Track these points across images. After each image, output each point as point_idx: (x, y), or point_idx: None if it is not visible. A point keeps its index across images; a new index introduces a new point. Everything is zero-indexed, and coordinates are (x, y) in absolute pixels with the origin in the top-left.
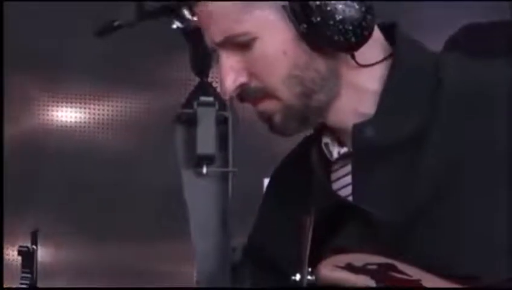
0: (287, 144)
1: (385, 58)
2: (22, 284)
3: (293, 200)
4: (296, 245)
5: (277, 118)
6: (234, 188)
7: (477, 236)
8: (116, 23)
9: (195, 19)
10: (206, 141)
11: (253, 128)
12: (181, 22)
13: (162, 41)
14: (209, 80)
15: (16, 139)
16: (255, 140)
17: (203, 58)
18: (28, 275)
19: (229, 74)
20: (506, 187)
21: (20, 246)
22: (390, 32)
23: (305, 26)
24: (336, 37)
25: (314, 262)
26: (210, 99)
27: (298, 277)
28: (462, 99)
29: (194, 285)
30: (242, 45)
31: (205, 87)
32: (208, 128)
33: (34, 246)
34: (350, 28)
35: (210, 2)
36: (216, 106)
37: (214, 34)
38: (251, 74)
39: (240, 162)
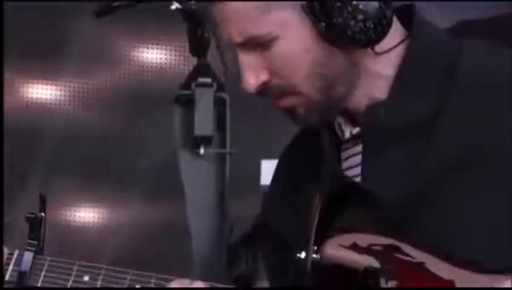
0: (285, 126)
1: (400, 43)
2: (28, 250)
3: (302, 179)
4: (303, 224)
5: (300, 112)
6: (231, 169)
7: (480, 223)
8: (115, 4)
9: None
10: (204, 122)
11: (251, 110)
12: (180, 3)
13: (144, 21)
14: (207, 61)
15: None
16: (252, 121)
17: (201, 39)
18: (35, 242)
19: (251, 72)
20: (509, 178)
21: (28, 213)
22: (405, 14)
23: (324, 25)
24: (357, 36)
25: (320, 241)
26: (208, 80)
27: (303, 255)
28: (475, 88)
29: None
30: (261, 44)
31: (203, 69)
32: (206, 110)
33: (43, 213)
34: (372, 26)
35: (229, 3)
36: (215, 87)
37: (233, 35)
38: (271, 72)
39: (238, 144)
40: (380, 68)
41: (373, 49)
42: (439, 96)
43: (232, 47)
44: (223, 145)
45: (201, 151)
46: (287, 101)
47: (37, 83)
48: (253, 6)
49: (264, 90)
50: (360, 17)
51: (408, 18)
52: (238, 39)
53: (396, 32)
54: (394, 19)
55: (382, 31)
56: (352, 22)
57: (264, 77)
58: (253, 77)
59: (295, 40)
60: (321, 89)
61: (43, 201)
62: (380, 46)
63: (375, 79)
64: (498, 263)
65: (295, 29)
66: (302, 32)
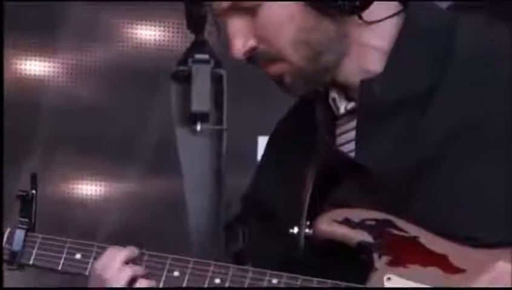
0: (282, 103)
1: (393, 15)
2: (20, 228)
3: (295, 154)
4: (297, 199)
5: (288, 80)
6: (228, 146)
7: (476, 197)
8: None
9: None
10: (201, 98)
11: (248, 86)
12: None
13: None
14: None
15: None
16: (250, 98)
17: (198, 16)
18: (26, 220)
19: (238, 37)
20: (506, 155)
21: (20, 191)
22: None
23: None
24: (341, 1)
25: (313, 216)
26: (206, 56)
27: (295, 230)
28: (472, 62)
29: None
30: (249, 9)
31: (200, 45)
32: (203, 86)
33: (34, 191)
34: None
35: None
36: (212, 64)
37: (221, 0)
38: (259, 38)
39: (235, 120)
40: (374, 40)
41: (361, 17)
42: (434, 70)
43: (222, 15)
44: (220, 122)
45: (198, 127)
46: (275, 69)
47: (34, 59)
48: None
49: (252, 56)
50: None
51: None
52: (226, 4)
53: (389, 5)
54: None
55: None
56: None
57: (251, 43)
58: (240, 42)
59: (280, 6)
60: (307, 57)
61: (34, 178)
62: (371, 16)
63: (369, 50)
64: (494, 237)
65: None
66: None
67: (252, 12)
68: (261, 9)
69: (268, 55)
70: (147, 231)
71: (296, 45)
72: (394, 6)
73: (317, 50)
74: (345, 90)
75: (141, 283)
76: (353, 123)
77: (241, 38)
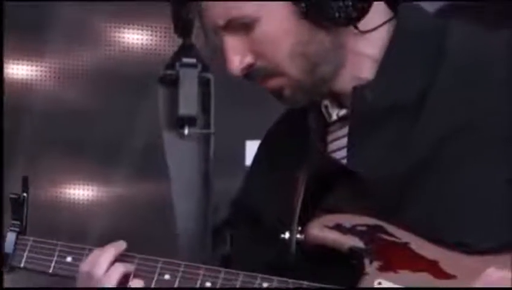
0: (270, 107)
1: (385, 22)
2: (11, 231)
3: (286, 161)
4: (288, 204)
5: (287, 93)
6: (216, 150)
7: (468, 203)
8: None
9: None
10: (188, 102)
11: (235, 90)
12: None
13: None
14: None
15: None
16: (237, 102)
17: (185, 20)
18: (18, 223)
19: (235, 55)
20: (500, 158)
21: (11, 193)
22: None
23: (304, 5)
24: (336, 14)
25: (304, 221)
26: (193, 60)
27: (287, 235)
28: (463, 68)
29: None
30: (244, 26)
31: (188, 49)
32: (190, 90)
33: (25, 194)
34: (351, 3)
35: None
36: (199, 68)
37: (216, 18)
38: (256, 54)
39: (222, 124)
40: (367, 48)
41: (356, 27)
42: (426, 73)
43: (217, 32)
44: (207, 126)
45: (186, 131)
46: (274, 83)
47: (21, 63)
48: None
49: (249, 73)
50: None
51: None
52: (221, 22)
53: (381, 12)
54: None
55: (362, 9)
56: (331, 0)
57: (248, 59)
58: (237, 59)
59: (275, 21)
60: (305, 70)
61: (25, 181)
62: (365, 25)
63: (362, 59)
64: (487, 242)
65: (275, 11)
66: (282, 13)
67: (247, 28)
68: (257, 25)
69: (265, 71)
70: (135, 234)
71: (293, 58)
72: (386, 12)
73: (314, 62)
74: (338, 98)
75: (134, 282)
76: (345, 130)
77: (238, 55)
